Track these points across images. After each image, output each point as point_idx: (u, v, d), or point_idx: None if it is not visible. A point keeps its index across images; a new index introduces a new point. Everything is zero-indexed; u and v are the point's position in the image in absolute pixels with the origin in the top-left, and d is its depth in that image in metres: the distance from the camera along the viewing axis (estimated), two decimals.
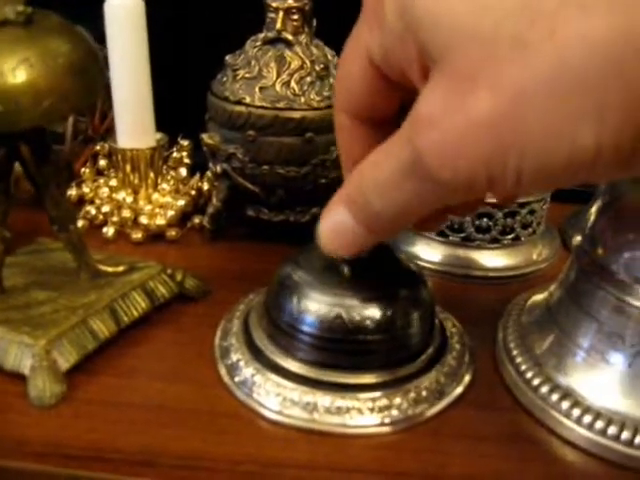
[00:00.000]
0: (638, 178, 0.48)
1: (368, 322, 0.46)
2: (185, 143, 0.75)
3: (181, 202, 0.70)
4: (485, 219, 0.63)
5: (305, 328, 0.47)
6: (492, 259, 0.64)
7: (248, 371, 0.49)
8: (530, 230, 0.65)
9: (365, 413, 0.46)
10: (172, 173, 0.73)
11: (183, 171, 0.73)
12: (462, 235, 0.64)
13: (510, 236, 0.65)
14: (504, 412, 0.48)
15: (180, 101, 0.73)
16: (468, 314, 0.58)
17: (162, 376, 0.51)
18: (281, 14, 0.61)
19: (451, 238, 0.64)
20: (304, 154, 0.62)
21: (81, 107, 0.47)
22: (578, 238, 0.49)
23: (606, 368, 0.46)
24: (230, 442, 0.45)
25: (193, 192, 0.72)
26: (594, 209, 0.49)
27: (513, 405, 0.49)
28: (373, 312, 0.46)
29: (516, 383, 0.49)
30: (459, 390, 0.49)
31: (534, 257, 0.66)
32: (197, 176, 0.73)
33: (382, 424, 0.46)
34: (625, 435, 0.44)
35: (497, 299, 0.59)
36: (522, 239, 0.65)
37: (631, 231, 0.46)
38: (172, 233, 0.68)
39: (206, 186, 0.72)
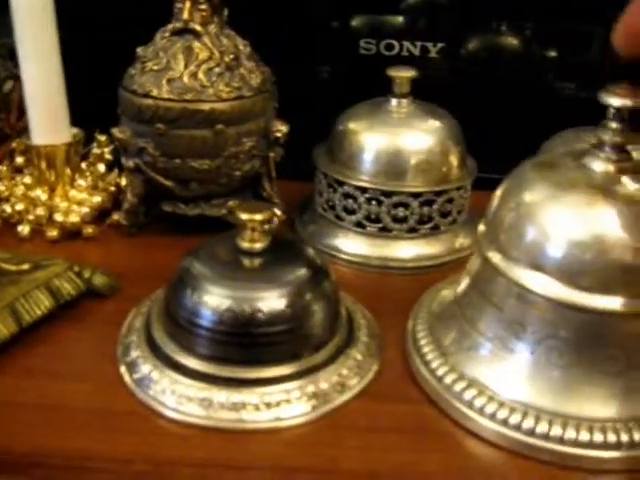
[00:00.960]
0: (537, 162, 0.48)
1: (260, 315, 0.45)
2: (103, 138, 0.73)
3: (97, 198, 0.68)
4: (401, 209, 0.62)
5: (201, 322, 0.47)
6: (410, 249, 0.64)
7: (146, 368, 0.48)
8: (450, 219, 0.65)
9: (261, 408, 0.45)
10: (92, 169, 0.72)
11: (101, 167, 0.72)
12: (379, 226, 0.63)
13: (428, 225, 0.64)
14: (409, 404, 0.48)
15: (98, 96, 0.71)
16: (383, 305, 0.58)
17: (62, 375, 0.50)
18: (188, 4, 0.60)
19: (369, 229, 0.64)
20: (215, 146, 0.61)
21: None
22: (482, 226, 0.49)
23: (509, 357, 0.46)
24: (124, 441, 0.44)
25: (112, 188, 0.71)
26: (496, 196, 0.48)
27: (419, 396, 0.48)
28: (268, 304, 0.46)
29: (422, 374, 0.49)
30: (363, 383, 0.49)
31: (456, 246, 0.65)
32: (115, 172, 0.72)
33: (278, 419, 0.45)
34: (527, 424, 0.44)
35: (414, 289, 0.59)
36: (442, 228, 0.64)
37: (533, 221, 0.45)
38: (89, 230, 0.67)
39: (124, 182, 0.70)
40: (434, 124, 0.64)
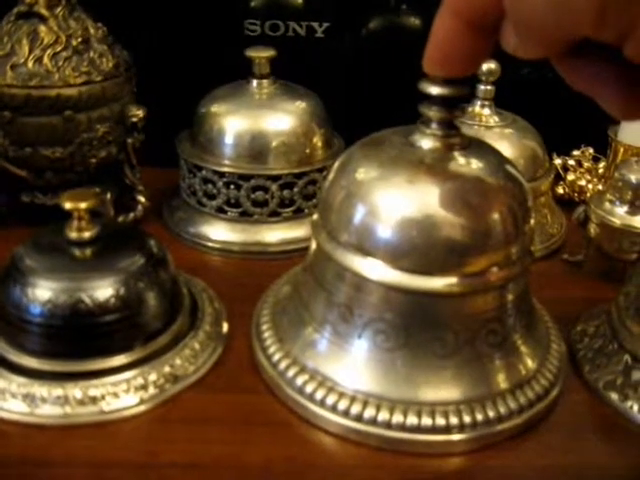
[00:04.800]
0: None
1: (83, 306, 0.44)
2: None
3: None
4: (260, 192, 0.61)
5: (26, 317, 0.45)
6: (273, 233, 0.63)
7: None
8: (314, 201, 0.64)
9: (86, 402, 0.44)
10: None
11: None
12: (240, 210, 0.62)
13: (291, 208, 0.63)
14: (246, 394, 0.47)
15: None
16: (240, 292, 0.57)
17: None
18: None
19: (230, 214, 0.62)
20: (66, 133, 0.59)
21: None
22: (315, 215, 0.48)
23: (339, 342, 0.45)
24: None
25: None
26: (327, 181, 0.47)
27: (258, 386, 0.47)
28: (92, 295, 0.44)
29: (260, 361, 0.48)
30: (199, 373, 0.48)
31: None
32: None
33: (102, 412, 0.44)
34: (355, 410, 0.43)
35: (277, 275, 0.57)
36: (305, 211, 0.63)
37: (359, 201, 0.44)
38: None
39: None
40: (296, 105, 0.63)
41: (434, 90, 0.40)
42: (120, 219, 0.64)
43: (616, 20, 0.21)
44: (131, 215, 0.64)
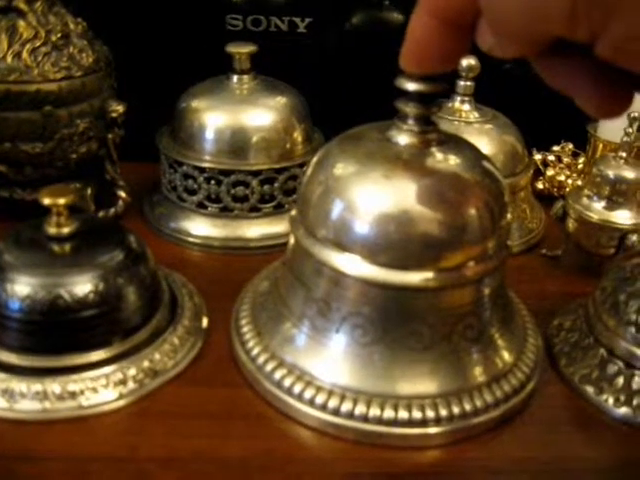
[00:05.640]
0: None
1: (61, 301, 0.44)
2: None
3: None
4: (241, 187, 0.61)
5: (6, 312, 0.45)
6: (253, 229, 0.63)
7: None
8: (294, 197, 0.64)
9: (65, 397, 0.44)
10: None
11: None
12: (220, 206, 0.62)
13: (271, 204, 0.63)
14: (225, 388, 0.47)
15: None
16: (220, 287, 0.57)
17: None
18: None
19: (210, 209, 0.63)
20: (46, 129, 0.59)
21: None
22: (294, 211, 0.48)
23: (317, 337, 0.45)
24: None
25: None
26: (305, 176, 0.47)
27: (237, 380, 0.48)
28: (70, 290, 0.44)
29: (239, 355, 0.48)
30: (179, 367, 0.48)
31: None
32: None
33: (81, 407, 0.44)
34: (332, 403, 0.44)
35: (257, 270, 0.58)
36: (286, 206, 0.64)
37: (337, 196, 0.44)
38: None
39: None
40: (276, 100, 0.63)
41: (411, 86, 0.41)
42: (101, 214, 0.64)
43: (587, 20, 0.22)
44: (112, 210, 0.65)
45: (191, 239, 0.63)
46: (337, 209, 0.43)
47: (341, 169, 0.44)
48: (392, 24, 0.83)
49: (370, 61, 0.81)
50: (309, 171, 0.46)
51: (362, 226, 0.42)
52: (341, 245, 0.42)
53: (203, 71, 0.68)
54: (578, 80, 0.26)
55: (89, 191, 0.63)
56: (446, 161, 0.42)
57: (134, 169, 0.69)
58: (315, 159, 0.46)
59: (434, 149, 0.43)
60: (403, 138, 0.43)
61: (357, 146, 0.45)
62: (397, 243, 0.41)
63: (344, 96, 0.83)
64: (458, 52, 0.29)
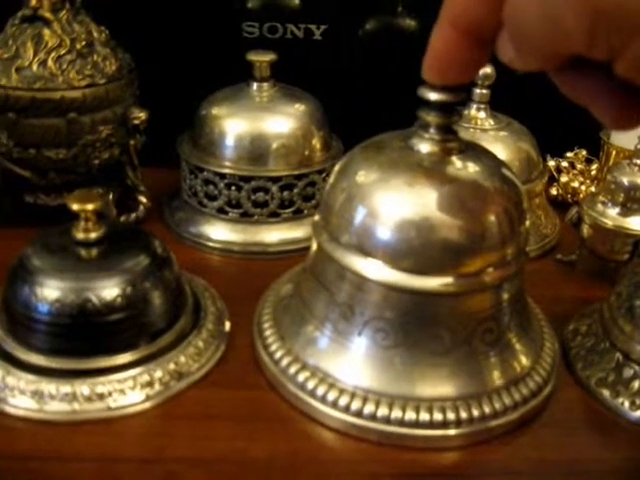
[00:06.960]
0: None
1: (90, 305, 0.45)
2: None
3: None
4: (261, 193, 0.63)
5: (34, 315, 0.46)
6: (273, 234, 0.64)
7: None
8: (313, 202, 0.65)
9: (94, 399, 0.45)
10: None
11: None
12: (240, 211, 0.63)
13: (290, 209, 0.64)
14: (250, 390, 0.48)
15: None
16: (241, 291, 0.57)
17: None
18: None
19: (230, 215, 0.64)
20: (70, 135, 0.60)
21: None
22: (316, 217, 0.49)
23: (340, 340, 0.46)
24: None
25: None
26: (329, 180, 0.48)
27: (260, 383, 0.48)
28: (98, 294, 0.46)
29: (262, 358, 0.49)
30: (203, 370, 0.49)
31: None
32: None
33: (110, 409, 0.45)
34: (355, 406, 0.44)
35: (276, 274, 0.59)
36: (305, 212, 0.65)
37: (360, 203, 0.45)
38: None
39: None
40: (295, 107, 0.64)
41: (433, 96, 0.42)
42: (122, 219, 0.65)
43: (606, 41, 0.22)
44: (133, 215, 0.66)
45: (211, 244, 0.64)
46: (360, 215, 0.44)
47: (364, 176, 0.45)
48: (406, 30, 0.84)
49: (385, 67, 0.82)
50: (332, 178, 0.47)
51: (384, 232, 0.43)
52: (364, 250, 0.43)
53: (220, 78, 0.69)
54: (595, 93, 0.27)
55: (111, 196, 0.64)
56: (466, 169, 0.43)
57: (154, 174, 0.70)
58: (338, 167, 0.47)
59: (455, 157, 0.44)
60: (425, 146, 0.44)
61: (379, 154, 0.45)
62: (418, 249, 0.42)
63: (359, 102, 0.83)
64: (478, 63, 0.30)
